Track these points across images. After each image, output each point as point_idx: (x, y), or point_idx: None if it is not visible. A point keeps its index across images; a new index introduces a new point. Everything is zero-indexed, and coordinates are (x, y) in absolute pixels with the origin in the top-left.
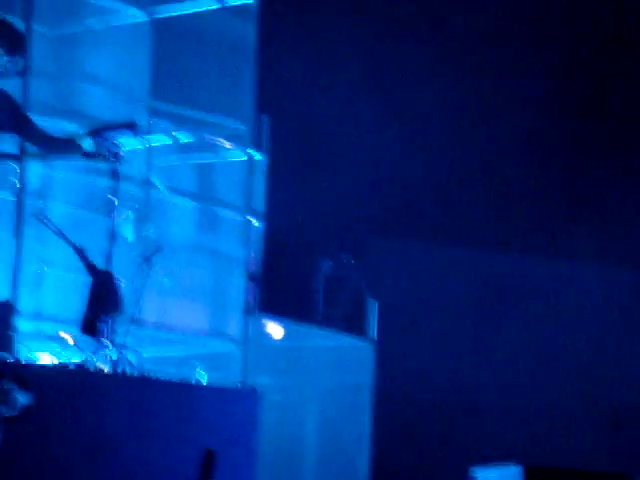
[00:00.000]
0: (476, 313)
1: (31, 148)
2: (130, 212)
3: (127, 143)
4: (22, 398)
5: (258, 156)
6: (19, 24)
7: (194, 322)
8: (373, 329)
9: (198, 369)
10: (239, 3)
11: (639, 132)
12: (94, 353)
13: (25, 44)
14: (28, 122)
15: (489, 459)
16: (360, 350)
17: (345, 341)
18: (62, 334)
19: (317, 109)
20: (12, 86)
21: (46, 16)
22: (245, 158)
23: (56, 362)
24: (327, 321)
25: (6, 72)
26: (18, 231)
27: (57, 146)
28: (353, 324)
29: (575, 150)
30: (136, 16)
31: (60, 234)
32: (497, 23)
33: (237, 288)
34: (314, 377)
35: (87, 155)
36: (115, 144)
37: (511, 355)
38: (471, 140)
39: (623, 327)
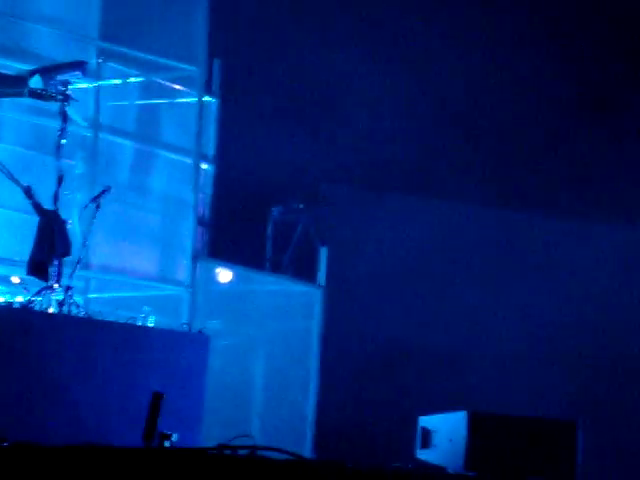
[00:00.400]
0: (425, 260)
1: None
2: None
3: (76, 83)
4: None
5: (209, 99)
6: None
7: (143, 265)
8: (322, 275)
9: (146, 311)
10: None
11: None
12: (40, 294)
13: None
14: None
15: (436, 407)
16: (308, 295)
17: (294, 286)
18: (13, 277)
19: (270, 53)
20: None
21: None
22: (196, 101)
23: (1, 302)
24: (276, 266)
25: None
26: None
27: (3, 83)
28: (302, 270)
29: (581, 110)
30: None
31: (8, 174)
32: None
33: (186, 232)
34: (262, 322)
35: (34, 94)
36: (64, 84)
37: (460, 302)
38: (434, 83)
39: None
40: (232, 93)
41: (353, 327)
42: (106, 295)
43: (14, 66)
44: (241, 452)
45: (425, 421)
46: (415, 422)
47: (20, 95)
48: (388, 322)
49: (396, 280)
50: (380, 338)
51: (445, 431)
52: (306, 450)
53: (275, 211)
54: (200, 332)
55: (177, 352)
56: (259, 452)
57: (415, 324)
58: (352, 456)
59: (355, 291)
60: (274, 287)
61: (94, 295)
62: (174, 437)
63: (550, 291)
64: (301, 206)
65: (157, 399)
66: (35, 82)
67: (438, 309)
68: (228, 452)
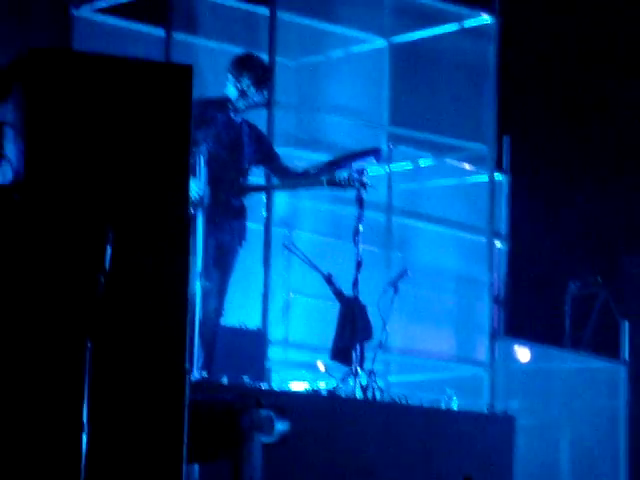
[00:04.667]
0: None
1: (276, 180)
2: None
3: (371, 170)
4: (280, 425)
5: (500, 177)
6: (264, 56)
7: (440, 346)
8: (624, 350)
9: (448, 394)
10: (478, 24)
11: None
12: (344, 379)
13: (271, 76)
14: (274, 155)
15: None
16: (612, 372)
17: (596, 363)
18: (318, 363)
19: (559, 127)
20: (257, 117)
21: (288, 47)
22: (487, 180)
23: (308, 389)
24: (576, 343)
25: (254, 104)
26: (266, 260)
27: (299, 179)
28: (603, 345)
29: None
30: (375, 42)
31: (308, 262)
32: None
33: (482, 311)
34: (565, 400)
35: (333, 183)
36: (360, 172)
37: None
38: None
39: None
40: (522, 169)
41: None
42: (406, 378)
43: (310, 157)
44: None
45: None
46: None
47: (320, 185)
48: None
49: None
50: None
51: None
52: None
53: (573, 286)
54: (505, 413)
55: (483, 434)
56: None
57: None
58: None
59: None
60: (575, 364)
61: (394, 378)
62: None
63: None
64: (600, 280)
65: None
66: (331, 174)
67: None
68: None
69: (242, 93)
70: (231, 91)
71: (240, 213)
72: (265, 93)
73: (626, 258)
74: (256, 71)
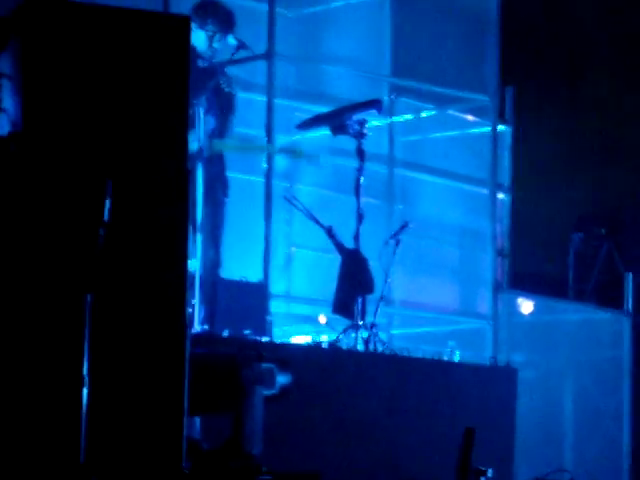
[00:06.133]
0: None
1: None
2: None
3: (371, 121)
4: (282, 378)
5: (503, 128)
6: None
7: (443, 299)
8: (628, 301)
9: (451, 346)
10: None
11: None
12: (345, 332)
13: (234, 21)
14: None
15: None
16: (615, 323)
17: (599, 314)
18: (320, 317)
19: (561, 78)
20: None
21: None
22: (490, 131)
23: (309, 342)
24: (579, 294)
25: (214, 52)
26: (268, 213)
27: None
28: (607, 297)
29: None
30: None
31: (309, 215)
32: None
33: (485, 264)
34: (568, 352)
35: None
36: (360, 123)
37: None
38: None
39: None
40: (526, 120)
41: None
42: (408, 331)
43: (310, 109)
44: None
45: None
46: None
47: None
48: None
49: None
50: None
51: None
52: None
53: (576, 238)
54: (507, 365)
55: (485, 386)
56: None
57: None
58: None
59: None
60: (578, 316)
61: (397, 331)
62: (489, 473)
63: None
64: (603, 231)
65: (470, 434)
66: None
67: None
68: None
69: (210, 40)
70: (200, 39)
71: (221, 164)
72: (230, 39)
73: (630, 209)
74: (218, 17)
